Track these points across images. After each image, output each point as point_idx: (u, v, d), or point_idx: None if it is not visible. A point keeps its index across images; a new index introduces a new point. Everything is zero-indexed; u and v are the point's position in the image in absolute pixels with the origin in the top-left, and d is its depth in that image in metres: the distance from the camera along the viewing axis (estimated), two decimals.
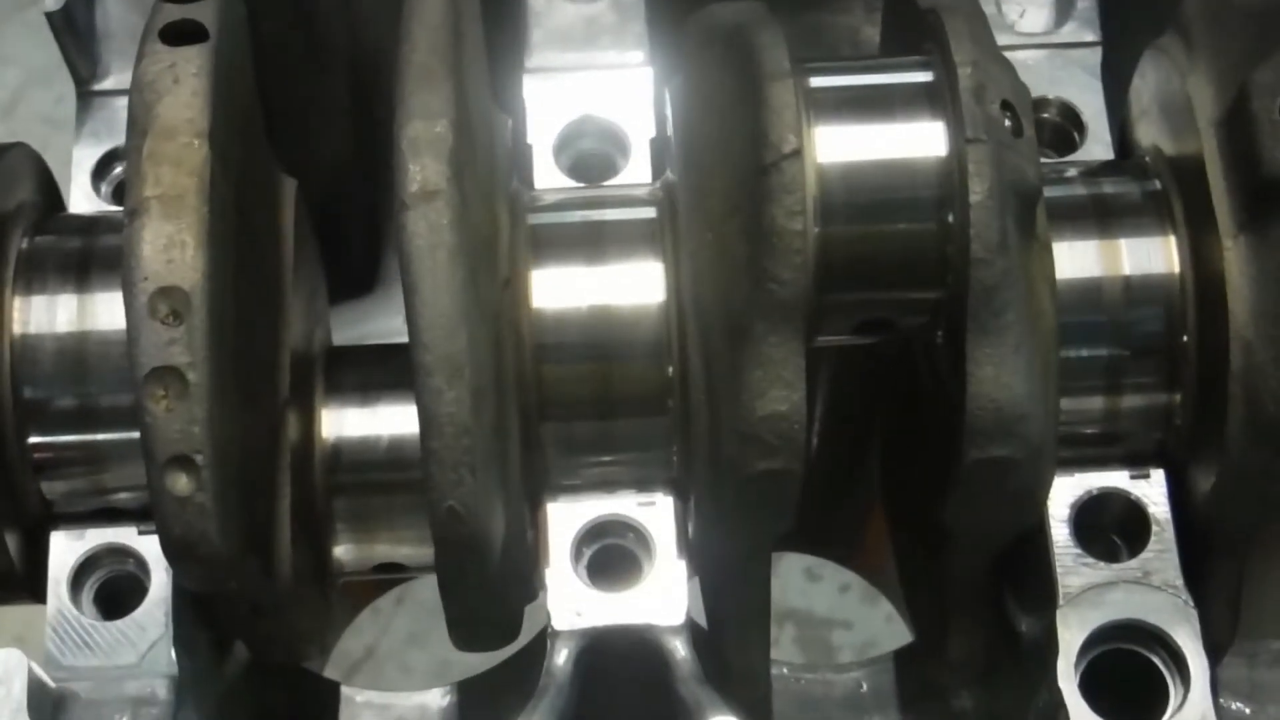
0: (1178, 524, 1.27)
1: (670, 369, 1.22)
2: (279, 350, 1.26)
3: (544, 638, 1.24)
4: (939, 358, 1.19)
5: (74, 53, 1.41)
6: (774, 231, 1.10)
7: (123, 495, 1.25)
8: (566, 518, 1.26)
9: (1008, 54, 1.23)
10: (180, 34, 1.15)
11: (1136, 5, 1.43)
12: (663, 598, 1.23)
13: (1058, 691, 1.22)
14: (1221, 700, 1.26)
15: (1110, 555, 1.27)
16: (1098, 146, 1.38)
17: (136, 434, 1.10)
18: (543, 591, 1.25)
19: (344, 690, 1.51)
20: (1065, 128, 1.40)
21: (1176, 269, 1.25)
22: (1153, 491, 1.28)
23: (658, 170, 1.34)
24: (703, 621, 1.26)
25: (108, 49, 1.42)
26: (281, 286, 1.28)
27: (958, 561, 1.32)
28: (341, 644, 1.70)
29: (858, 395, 1.39)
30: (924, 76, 1.18)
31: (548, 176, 1.34)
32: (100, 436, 1.24)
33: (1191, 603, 1.25)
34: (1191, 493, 1.28)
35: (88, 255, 1.26)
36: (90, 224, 1.32)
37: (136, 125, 1.13)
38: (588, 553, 1.25)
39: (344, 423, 1.30)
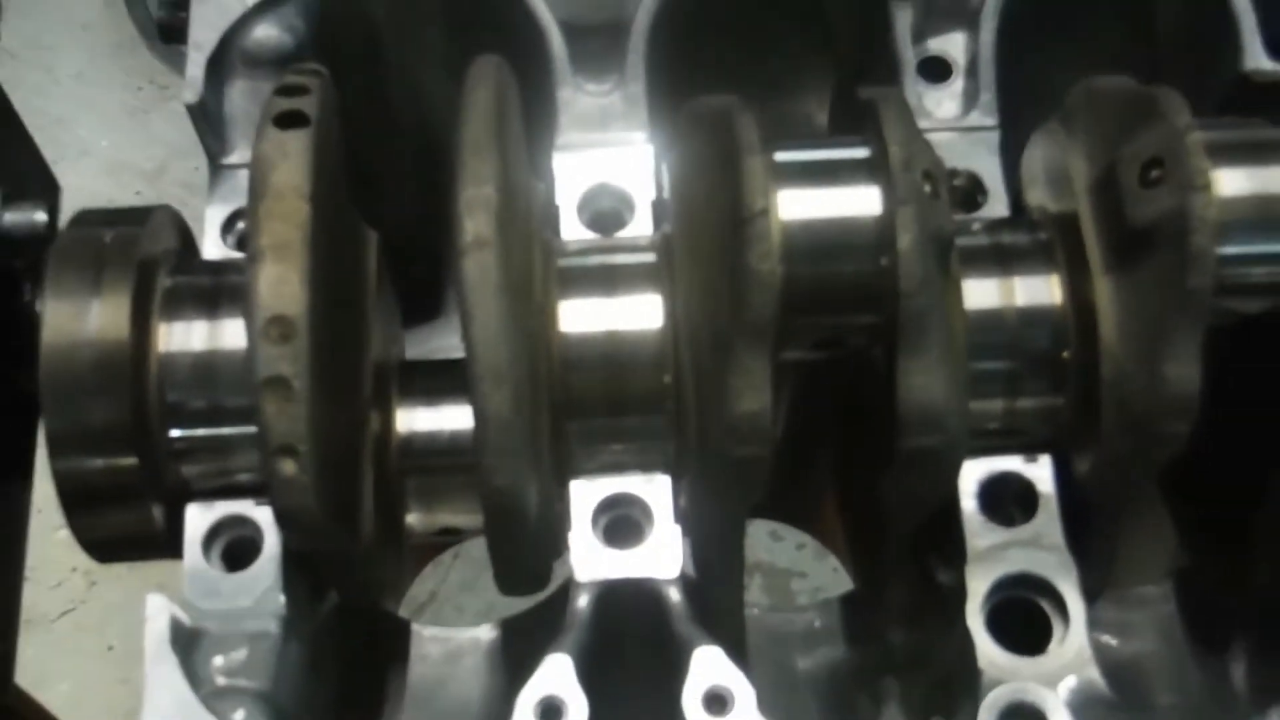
0: (1061, 498, 1.27)
1: (667, 378, 1.21)
2: (363, 363, 1.25)
3: (568, 586, 1.24)
4: (878, 369, 1.18)
5: (207, 135, 1.41)
6: (749, 271, 1.09)
7: (243, 476, 1.25)
8: (586, 493, 1.25)
9: (927, 135, 1.24)
10: (288, 120, 1.15)
11: (1027, 98, 1.43)
12: (661, 555, 1.23)
13: (968, 629, 1.21)
14: (1095, 634, 1.25)
15: (1008, 522, 1.26)
16: (997, 206, 1.37)
17: (253, 429, 1.10)
18: (567, 550, 1.24)
19: (414, 626, 1.50)
20: (972, 192, 1.39)
21: (1059, 300, 1.24)
22: (1042, 472, 1.28)
23: (657, 224, 1.34)
24: (692, 573, 1.25)
25: (233, 132, 1.41)
26: (365, 314, 1.28)
27: (890, 527, 1.31)
28: (411, 590, 1.69)
29: (815, 398, 1.39)
30: (863, 152, 1.18)
31: (572, 229, 1.34)
32: (226, 430, 1.23)
33: (1072, 559, 1.24)
34: (1073, 473, 1.27)
35: (217, 291, 1.25)
36: (219, 267, 1.32)
37: (255, 190, 1.13)
38: (602, 520, 1.25)
39: (414, 419, 1.30)
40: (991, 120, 1.41)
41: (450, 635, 1.49)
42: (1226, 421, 1.17)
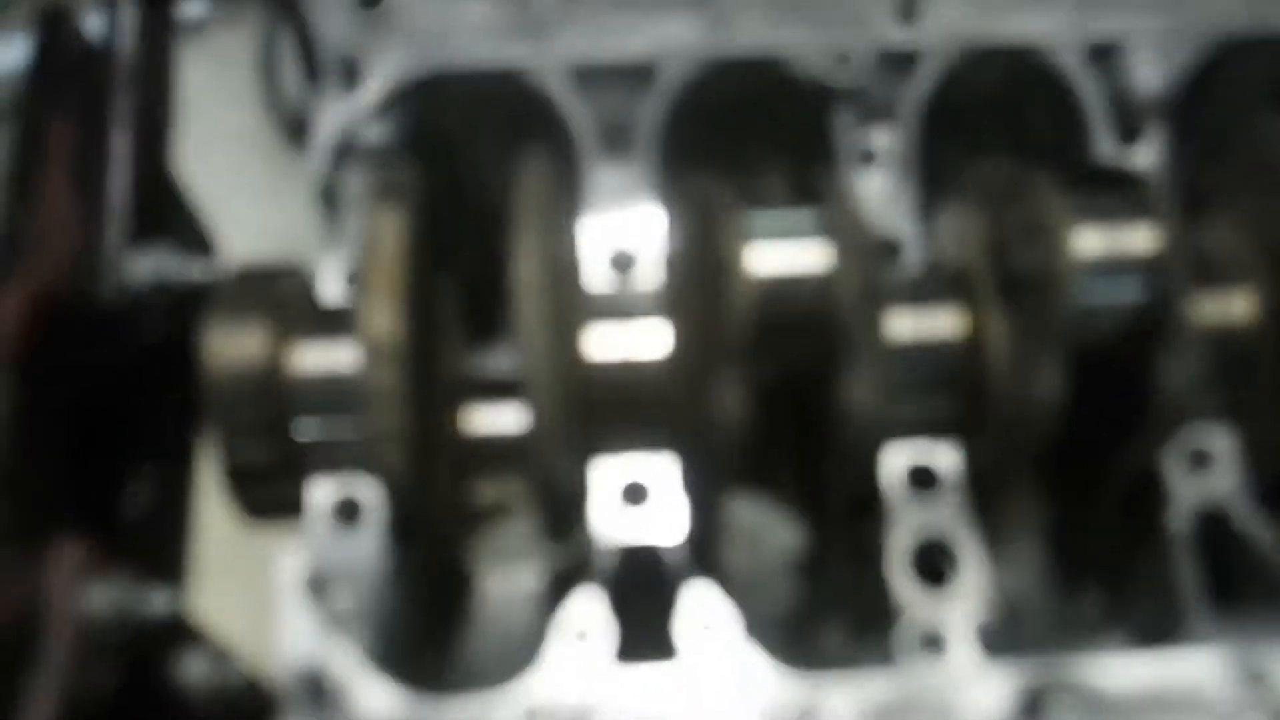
0: (960, 477, 1.27)
1: (668, 388, 1.23)
2: (443, 377, 1.27)
3: (595, 543, 1.24)
4: (823, 380, 1.20)
5: (327, 210, 1.42)
6: (727, 308, 1.12)
7: (355, 460, 1.24)
8: (608, 473, 1.25)
9: (862, 206, 1.25)
10: (387, 198, 1.19)
11: (934, 180, 1.43)
12: (666, 518, 1.23)
13: (890, 573, 1.22)
14: (985, 577, 1.24)
15: (920, 494, 1.26)
16: (914, 260, 1.37)
17: (363, 425, 1.13)
18: (594, 516, 1.24)
19: (480, 571, 1.50)
20: (895, 249, 1.38)
21: (959, 329, 1.25)
22: (946, 458, 1.27)
23: (660, 273, 1.33)
24: (686, 532, 1.25)
25: (346, 208, 1.41)
26: (445, 341, 1.30)
27: (832, 498, 1.33)
28: (479, 544, 1.68)
29: (777, 401, 1.38)
30: (815, 219, 1.19)
31: (598, 276, 1.34)
32: (342, 426, 1.23)
33: (968, 522, 1.25)
34: (970, 459, 1.28)
35: (336, 325, 1.25)
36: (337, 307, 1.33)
37: (363, 250, 1.15)
38: (620, 494, 1.24)
39: (480, 419, 1.29)
40: (910, 195, 1.42)
41: (508, 577, 1.50)
42: (1081, 417, 1.17)
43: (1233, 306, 1.27)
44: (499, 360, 1.71)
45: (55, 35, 1.31)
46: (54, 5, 1.32)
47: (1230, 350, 1.27)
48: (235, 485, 1.25)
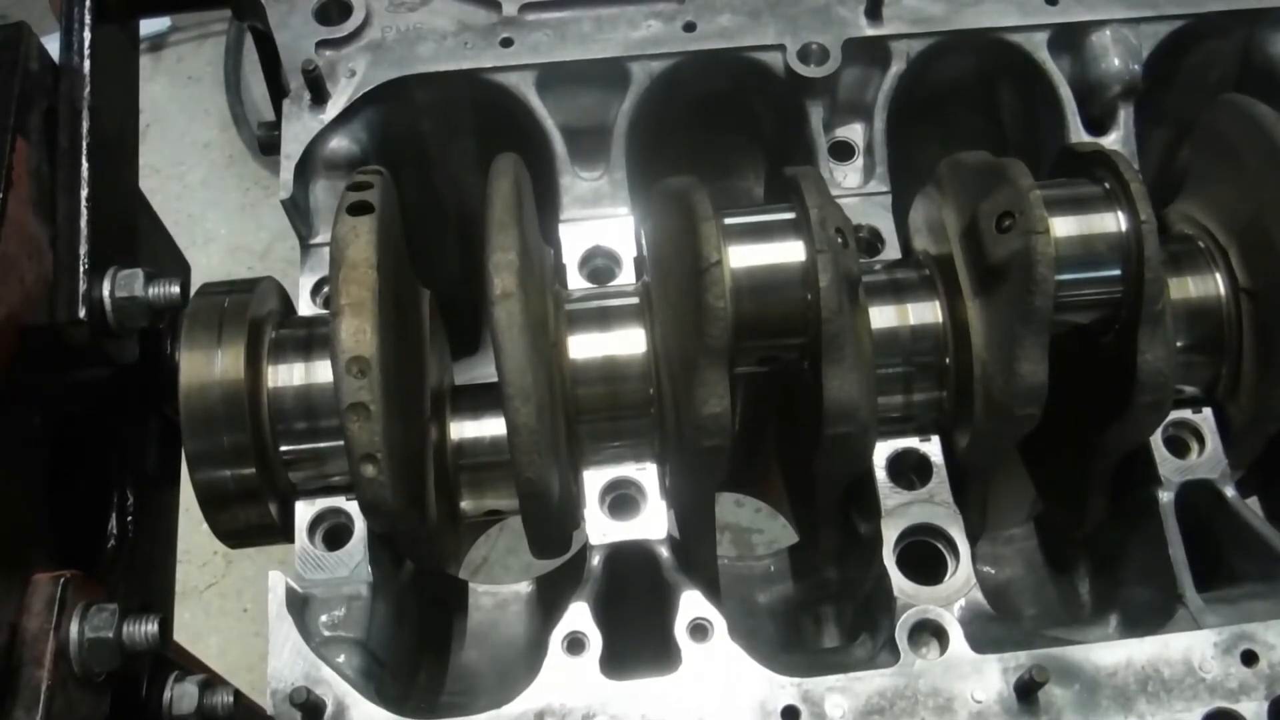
0: (948, 467, 1.25)
1: (651, 390, 1.20)
2: (423, 389, 1.23)
3: (585, 550, 1.22)
4: (807, 377, 1.17)
5: (298, 222, 1.39)
6: (707, 307, 1.08)
7: (336, 478, 1.23)
8: (595, 478, 1.23)
9: (837, 200, 1.23)
10: (357, 209, 1.14)
11: (909, 170, 1.42)
12: (653, 523, 1.21)
13: (883, 567, 1.20)
14: (977, 566, 1.24)
15: (910, 486, 1.25)
16: (892, 251, 1.36)
17: (342, 442, 1.08)
18: (582, 522, 1.22)
19: (470, 584, 1.48)
20: (872, 241, 1.38)
21: (940, 319, 1.23)
22: (933, 448, 1.26)
23: (638, 275, 1.32)
24: (677, 535, 1.23)
25: (317, 219, 1.40)
26: (423, 352, 1.26)
27: (821, 493, 1.29)
28: (467, 557, 1.67)
29: (762, 400, 1.37)
30: (790, 215, 1.17)
31: (575, 281, 1.33)
32: (322, 445, 1.21)
33: (958, 512, 1.23)
34: (955, 448, 1.26)
35: (310, 340, 1.23)
36: (311, 322, 1.30)
37: (334, 262, 1.11)
38: (608, 499, 1.23)
39: (463, 429, 1.27)
40: (885, 187, 1.40)
41: (498, 590, 1.47)
42: (1065, 404, 1.16)
43: (1208, 287, 1.26)
44: (482, 371, 1.70)
45: (13, 55, 1.27)
46: (11, 25, 1.29)
47: (1207, 330, 1.26)
48: (215, 510, 1.21)
